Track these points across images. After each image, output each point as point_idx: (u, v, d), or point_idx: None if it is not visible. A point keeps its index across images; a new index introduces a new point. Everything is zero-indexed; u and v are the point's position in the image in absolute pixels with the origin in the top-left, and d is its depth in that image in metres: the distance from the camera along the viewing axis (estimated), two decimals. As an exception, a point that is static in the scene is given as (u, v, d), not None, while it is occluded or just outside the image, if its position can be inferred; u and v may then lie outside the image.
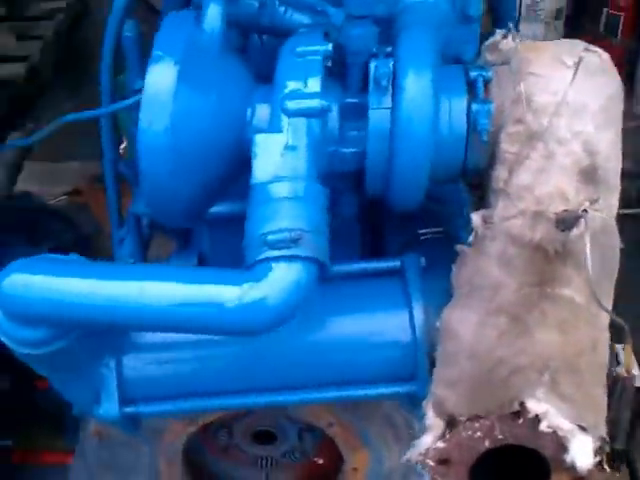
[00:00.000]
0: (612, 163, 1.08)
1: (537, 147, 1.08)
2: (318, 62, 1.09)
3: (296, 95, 1.07)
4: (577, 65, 1.09)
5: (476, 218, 1.11)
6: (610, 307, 1.09)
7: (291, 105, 1.07)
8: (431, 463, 1.02)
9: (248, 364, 1.22)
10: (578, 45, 1.13)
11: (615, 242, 1.10)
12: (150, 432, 1.46)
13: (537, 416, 0.99)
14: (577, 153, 1.07)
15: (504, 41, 1.16)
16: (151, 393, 1.24)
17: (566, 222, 1.04)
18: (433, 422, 1.04)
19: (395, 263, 1.25)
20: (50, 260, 1.06)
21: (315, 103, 1.07)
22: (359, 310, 1.24)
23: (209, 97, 1.11)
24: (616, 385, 1.04)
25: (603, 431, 1.03)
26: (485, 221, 1.11)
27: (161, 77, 1.08)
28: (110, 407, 1.21)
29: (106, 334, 1.19)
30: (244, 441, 1.61)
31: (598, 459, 1.01)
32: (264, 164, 1.05)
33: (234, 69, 1.16)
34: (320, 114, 1.07)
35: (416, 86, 1.08)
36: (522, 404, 0.98)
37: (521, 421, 0.98)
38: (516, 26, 1.34)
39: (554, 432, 0.98)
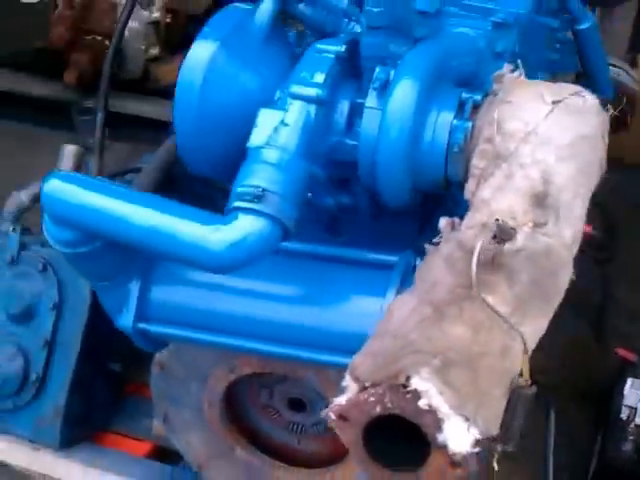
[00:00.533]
0: (565, 195, 1.16)
1: (501, 167, 1.19)
2: (329, 59, 1.27)
3: (301, 82, 1.26)
4: (556, 103, 1.20)
5: (443, 222, 1.23)
6: (537, 330, 1.16)
7: (294, 89, 1.25)
8: (333, 417, 1.14)
9: (245, 311, 1.39)
10: (566, 88, 1.23)
11: (558, 269, 1.16)
12: (197, 373, 1.67)
13: (417, 392, 1.04)
14: (533, 179, 1.16)
15: (509, 74, 1.29)
16: (164, 316, 1.43)
17: (503, 235, 1.13)
18: (348, 384, 1.15)
19: (393, 258, 1.39)
20: (83, 177, 1.32)
21: (313, 92, 1.24)
22: (341, 291, 1.40)
23: (243, 73, 1.33)
24: (514, 393, 1.11)
25: (492, 429, 1.07)
26: (452, 227, 1.23)
27: (203, 46, 1.31)
28: (127, 318, 1.42)
29: (136, 254, 1.40)
30: (281, 404, 1.76)
31: (477, 450, 1.06)
32: (260, 132, 1.24)
33: (274, 57, 1.36)
34: (317, 102, 1.24)
35: (402, 94, 1.23)
36: (408, 378, 1.06)
37: (405, 394, 1.05)
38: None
39: (432, 411, 1.05)
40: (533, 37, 1.54)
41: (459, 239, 1.18)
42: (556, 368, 2.34)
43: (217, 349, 1.50)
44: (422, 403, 1.04)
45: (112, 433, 2.21)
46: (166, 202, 1.26)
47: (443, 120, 1.25)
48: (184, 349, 1.66)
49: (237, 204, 1.18)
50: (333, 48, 1.28)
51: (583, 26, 1.63)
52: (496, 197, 1.19)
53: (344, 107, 1.31)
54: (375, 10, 1.24)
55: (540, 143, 1.18)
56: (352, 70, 1.32)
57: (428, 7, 1.35)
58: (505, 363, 1.10)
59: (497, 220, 1.14)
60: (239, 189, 1.19)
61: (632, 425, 2.04)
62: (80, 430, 2.12)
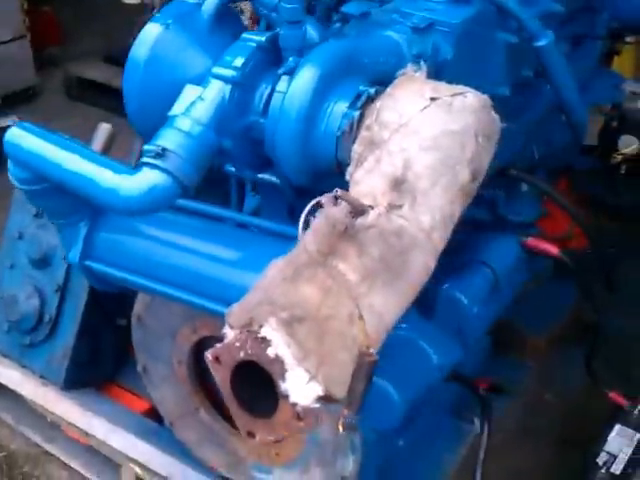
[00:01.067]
0: (422, 182, 1.24)
1: (374, 153, 1.29)
2: (250, 47, 1.43)
3: (223, 64, 1.42)
4: (434, 100, 1.29)
5: (325, 198, 1.34)
6: (389, 304, 1.23)
7: (215, 69, 1.42)
8: (209, 357, 1.23)
9: (169, 261, 1.59)
10: (452, 89, 1.31)
11: (409, 250, 1.22)
12: (169, 329, 1.86)
13: (267, 340, 1.12)
14: (396, 165, 1.25)
15: (411, 73, 1.38)
16: (105, 256, 1.66)
17: (356, 211, 1.23)
18: (225, 330, 1.22)
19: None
20: (40, 129, 1.55)
21: (229, 73, 1.40)
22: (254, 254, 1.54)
23: (185, 54, 1.51)
24: (359, 361, 1.16)
25: (335, 391, 1.13)
26: (334, 203, 1.33)
27: (151, 28, 1.52)
28: (74, 255, 1.67)
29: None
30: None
31: (317, 405, 1.11)
32: (180, 104, 1.41)
33: (218, 42, 1.51)
34: (232, 82, 1.40)
35: (300, 80, 1.37)
36: (260, 326, 1.13)
37: (258, 341, 1.13)
38: None
39: (278, 360, 1.11)
40: (481, 49, 1.62)
41: (326, 212, 1.29)
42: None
43: (184, 306, 1.66)
44: (270, 351, 1.12)
45: (117, 385, 2.41)
46: (93, 154, 1.47)
47: (338, 108, 1.37)
48: (157, 303, 1.85)
49: (144, 159, 1.37)
50: (256, 38, 1.44)
51: (541, 43, 1.67)
52: (364, 179, 1.29)
53: (265, 91, 1.45)
54: (288, 6, 1.39)
55: (408, 133, 1.28)
56: (277, 60, 1.46)
57: (353, 10, 1.48)
58: (352, 330, 1.17)
59: (350, 197, 1.23)
60: (146, 147, 1.37)
61: (606, 472, 1.96)
62: (85, 375, 2.33)
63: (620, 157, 2.25)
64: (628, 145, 2.21)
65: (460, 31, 1.51)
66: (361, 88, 1.36)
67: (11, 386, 2.41)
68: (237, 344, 1.18)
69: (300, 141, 1.38)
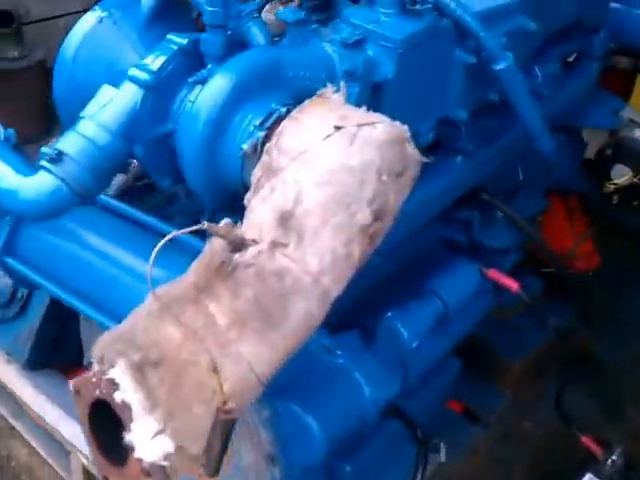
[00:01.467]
0: (311, 220, 1.14)
1: (271, 180, 1.20)
2: (170, 49, 1.34)
3: (140, 66, 1.34)
4: (338, 129, 1.18)
5: (223, 223, 1.24)
6: (260, 356, 1.12)
7: (131, 71, 1.34)
8: (71, 388, 1.17)
9: (70, 265, 1.54)
10: (364, 117, 1.21)
11: (291, 294, 1.12)
12: None
13: (115, 382, 1.06)
14: (287, 197, 1.16)
15: (329, 94, 1.28)
16: (24, 256, 1.60)
17: (234, 245, 1.14)
18: (94, 365, 1.15)
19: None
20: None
21: (143, 76, 1.32)
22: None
23: (115, 50, 1.43)
24: (217, 416, 1.06)
25: (188, 446, 1.05)
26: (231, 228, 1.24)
27: (83, 22, 1.45)
28: None
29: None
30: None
31: (165, 463, 1.04)
32: (92, 105, 1.35)
33: (154, 39, 1.41)
34: (145, 86, 1.32)
35: (208, 91, 1.28)
36: (111, 366, 1.07)
37: (109, 382, 1.06)
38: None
39: (126, 406, 1.04)
40: (432, 68, 1.50)
41: (211, 241, 1.21)
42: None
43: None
44: (117, 396, 1.06)
45: (82, 370, 2.41)
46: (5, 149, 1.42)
47: (247, 125, 1.28)
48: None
49: (40, 162, 1.31)
50: (178, 40, 1.35)
51: (499, 66, 1.53)
52: (257, 208, 1.20)
53: (186, 99, 1.35)
54: (209, 9, 1.30)
55: (305, 164, 1.18)
56: (202, 64, 1.37)
57: (289, 17, 1.38)
58: (212, 380, 1.08)
59: (224, 229, 1.14)
60: (43, 148, 1.30)
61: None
62: (49, 358, 2.28)
63: (612, 187, 2.10)
64: (621, 175, 2.06)
65: (404, 48, 1.40)
66: (273, 106, 1.27)
67: (-21, 358, 2.43)
68: (94, 379, 1.11)
69: (205, 158, 1.30)
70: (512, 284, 1.83)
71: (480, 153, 1.81)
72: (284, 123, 1.22)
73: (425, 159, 1.25)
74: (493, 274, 1.85)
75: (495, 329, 2.26)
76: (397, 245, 1.72)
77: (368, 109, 1.44)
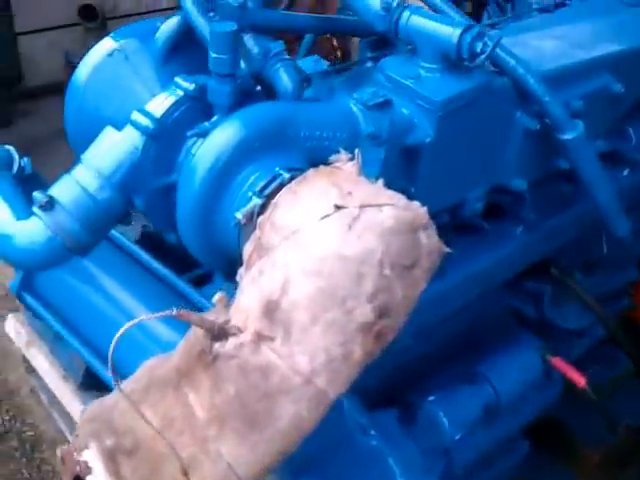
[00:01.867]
0: (299, 314, 0.98)
1: (262, 258, 1.04)
2: (177, 95, 1.20)
3: (143, 110, 1.20)
4: (339, 209, 1.01)
5: (216, 297, 1.11)
6: (241, 458, 0.99)
7: (134, 115, 1.20)
8: (58, 454, 1.06)
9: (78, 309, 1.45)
10: (377, 195, 1.03)
11: (277, 395, 0.98)
12: None
13: (88, 466, 0.98)
14: (275, 284, 1.00)
15: (343, 161, 1.10)
16: (38, 291, 1.55)
17: (216, 333, 1.00)
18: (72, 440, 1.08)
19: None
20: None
21: (146, 122, 1.19)
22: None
23: (123, 84, 1.31)
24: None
25: None
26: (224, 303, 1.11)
27: (96, 52, 1.34)
28: (14, 283, 1.59)
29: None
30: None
31: None
32: (93, 148, 1.22)
33: (166, 76, 1.29)
34: (146, 134, 1.18)
35: (207, 147, 1.13)
36: (86, 447, 0.99)
37: (84, 464, 0.99)
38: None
39: None
40: (484, 132, 1.29)
41: (202, 319, 1.07)
42: None
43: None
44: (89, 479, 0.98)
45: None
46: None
47: (246, 189, 1.12)
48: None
49: (33, 207, 1.20)
50: (185, 85, 1.20)
51: (567, 136, 1.30)
52: (246, 290, 1.05)
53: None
54: (214, 55, 1.15)
55: (296, 246, 1.02)
56: (210, 112, 1.23)
57: (311, 68, 1.22)
58: (171, 467, 0.99)
59: (213, 315, 1.02)
60: (35, 193, 1.20)
61: None
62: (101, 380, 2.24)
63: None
64: None
65: (444, 111, 1.20)
66: (277, 170, 1.11)
67: (40, 372, 2.41)
68: (75, 453, 1.02)
69: (201, 219, 1.15)
70: (579, 379, 1.59)
71: (548, 223, 1.59)
72: (281, 194, 1.06)
73: (447, 250, 1.06)
74: (558, 363, 1.62)
75: (574, 410, 2.01)
76: (442, 321, 1.54)
77: (403, 174, 1.28)
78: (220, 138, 1.13)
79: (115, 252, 1.56)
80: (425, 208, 1.05)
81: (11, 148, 1.51)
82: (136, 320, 0.96)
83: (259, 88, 1.32)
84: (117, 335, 0.94)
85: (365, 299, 1.01)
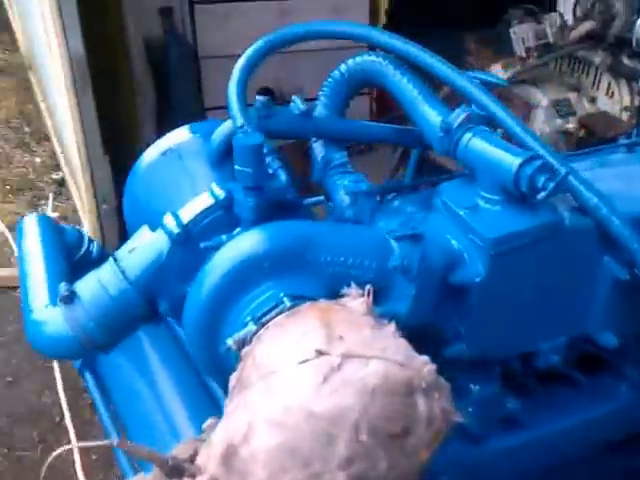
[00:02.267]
0: (255, 468, 0.85)
1: (241, 393, 0.92)
2: (208, 203, 1.13)
3: (175, 215, 1.14)
4: (320, 355, 0.86)
5: (207, 423, 1.01)
6: None
7: (164, 219, 1.15)
8: None
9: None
10: (364, 346, 0.86)
11: None
12: None
13: None
14: (238, 428, 0.88)
15: (351, 298, 0.96)
16: (99, 370, 1.52)
17: (170, 472, 0.90)
18: None
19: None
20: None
21: (173, 227, 1.13)
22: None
23: (173, 182, 1.27)
24: None
25: None
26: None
27: (154, 147, 1.32)
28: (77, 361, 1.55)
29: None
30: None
31: None
32: (125, 245, 1.19)
33: (210, 180, 1.22)
34: (172, 239, 1.12)
35: (214, 263, 1.05)
36: None
37: None
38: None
39: None
40: (556, 278, 1.08)
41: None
42: None
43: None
44: None
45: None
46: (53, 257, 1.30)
47: (250, 311, 1.01)
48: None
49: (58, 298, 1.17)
50: (217, 192, 1.13)
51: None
52: (222, 425, 0.93)
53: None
54: (237, 168, 1.06)
55: (267, 390, 0.89)
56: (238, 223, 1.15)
57: (353, 188, 1.10)
58: None
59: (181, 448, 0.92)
60: (62, 284, 1.17)
61: None
62: None
63: None
64: None
65: (497, 250, 1.03)
66: (281, 296, 0.99)
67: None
68: None
69: (203, 332, 1.07)
70: None
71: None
72: (267, 327, 0.94)
73: (459, 418, 0.88)
74: None
75: None
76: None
77: (453, 312, 1.11)
78: (229, 254, 1.05)
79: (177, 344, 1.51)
80: (432, 367, 0.88)
81: (83, 230, 1.53)
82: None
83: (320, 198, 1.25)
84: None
85: (336, 465, 0.86)
